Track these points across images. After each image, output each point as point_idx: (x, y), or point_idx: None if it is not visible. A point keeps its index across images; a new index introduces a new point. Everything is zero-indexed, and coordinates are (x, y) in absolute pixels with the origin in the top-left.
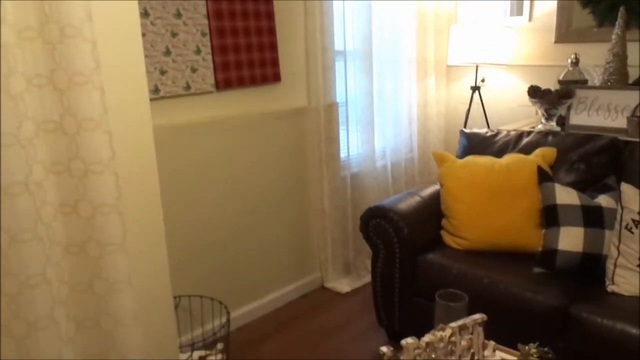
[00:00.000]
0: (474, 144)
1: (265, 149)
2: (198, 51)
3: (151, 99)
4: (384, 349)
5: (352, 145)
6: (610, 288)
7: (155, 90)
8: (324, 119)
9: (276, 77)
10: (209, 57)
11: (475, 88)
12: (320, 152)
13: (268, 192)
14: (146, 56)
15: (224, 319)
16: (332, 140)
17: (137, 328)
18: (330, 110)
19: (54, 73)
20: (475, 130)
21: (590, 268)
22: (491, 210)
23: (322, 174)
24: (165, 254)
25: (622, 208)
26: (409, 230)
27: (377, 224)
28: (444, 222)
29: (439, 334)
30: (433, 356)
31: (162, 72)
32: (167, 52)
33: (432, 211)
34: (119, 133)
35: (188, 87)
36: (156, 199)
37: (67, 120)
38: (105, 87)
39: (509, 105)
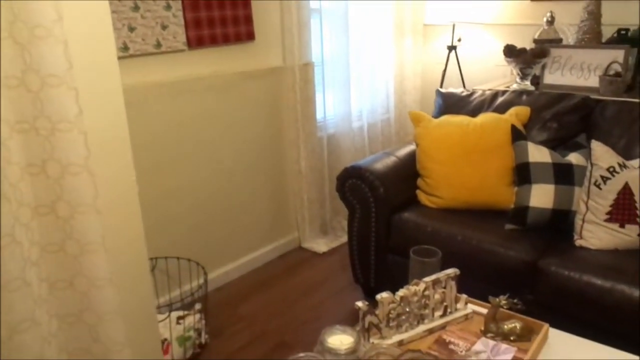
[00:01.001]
0: (450, 104)
1: (239, 109)
2: (168, 7)
3: (120, 57)
4: (359, 304)
5: (328, 106)
6: (578, 242)
7: (124, 47)
8: (299, 78)
9: (250, 36)
10: (180, 13)
11: (452, 47)
12: (296, 113)
13: (244, 154)
14: (113, 11)
15: (201, 280)
16: (308, 100)
17: (112, 289)
18: (306, 70)
19: (12, 25)
20: (451, 90)
21: (560, 223)
22: (465, 169)
23: (298, 135)
24: (139, 215)
25: (591, 165)
26: (385, 189)
27: (353, 184)
28: (419, 181)
29: (413, 288)
30: (407, 310)
31: (131, 29)
32: (136, 8)
33: (407, 171)
34: (86, 90)
35: (158, 44)
36: (128, 159)
37: (30, 77)
38: (69, 41)
39: (485, 65)
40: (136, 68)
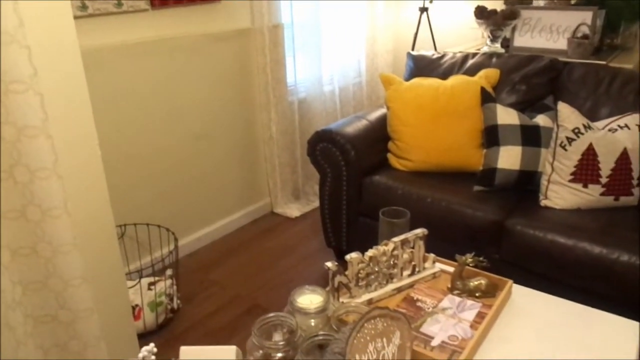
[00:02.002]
0: (421, 67)
1: (207, 72)
2: None
3: (77, 17)
4: (328, 264)
5: (299, 69)
6: (544, 202)
7: (82, 7)
8: (269, 41)
9: None
10: None
11: (424, 9)
12: (266, 77)
13: (212, 118)
14: None
15: (172, 246)
16: (278, 64)
17: (77, 254)
18: (276, 32)
19: None
20: (422, 52)
21: (526, 184)
22: (436, 131)
23: (269, 99)
24: (103, 179)
25: (557, 126)
26: (356, 153)
27: (324, 147)
28: (390, 144)
29: (382, 248)
30: (376, 269)
31: None
32: None
33: (378, 134)
34: (40, 49)
35: (120, 3)
36: (89, 122)
37: None
38: None
39: (457, 27)
40: (96, 28)
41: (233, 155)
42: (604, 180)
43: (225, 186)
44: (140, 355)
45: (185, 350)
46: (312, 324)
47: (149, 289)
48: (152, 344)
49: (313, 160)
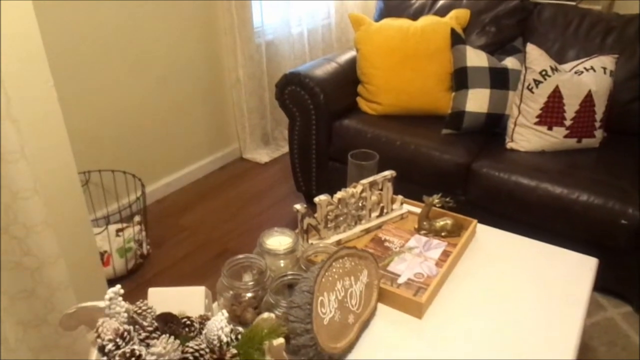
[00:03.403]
0: (391, 7)
1: (169, 13)
2: None
3: None
4: (297, 206)
5: (265, 10)
6: (509, 145)
7: None
8: None
9: None
10: None
11: None
12: (232, 18)
13: (177, 62)
14: None
15: (139, 192)
16: (244, 4)
17: (38, 199)
18: None
19: None
20: None
21: (494, 127)
22: (405, 74)
23: (235, 41)
24: (61, 121)
25: (525, 69)
26: (325, 96)
27: (293, 91)
28: (359, 88)
29: (350, 190)
30: (345, 211)
31: None
32: None
33: (348, 77)
34: None
35: None
36: (41, 61)
37: None
38: None
39: None
40: None
41: (198, 99)
42: (568, 122)
43: (193, 131)
44: (107, 296)
45: (153, 292)
46: (282, 265)
47: (117, 235)
48: (118, 285)
49: (281, 104)
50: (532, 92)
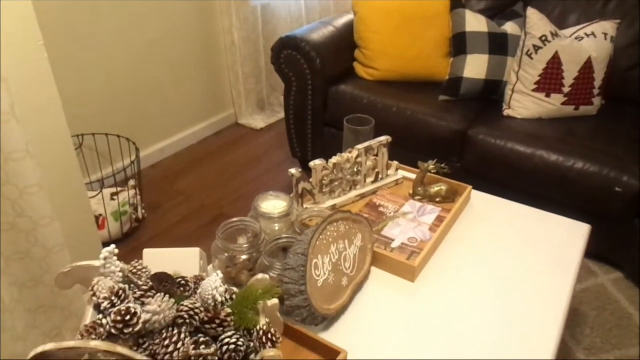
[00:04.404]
0: None
1: None
2: None
3: None
4: (292, 171)
5: None
6: (507, 112)
7: None
8: None
9: None
10: None
11: None
12: None
13: (171, 25)
14: None
15: (134, 157)
16: None
17: (31, 160)
18: None
19: None
20: None
21: (491, 94)
22: (403, 39)
23: (229, 3)
24: (52, 81)
25: (525, 34)
26: (322, 61)
27: (289, 55)
28: (356, 53)
29: (345, 155)
30: (340, 176)
31: None
32: None
33: (345, 42)
34: None
35: None
36: (30, 20)
37: None
38: None
39: None
40: None
41: (192, 63)
42: (566, 89)
43: (187, 96)
44: (102, 256)
45: (148, 253)
46: (276, 228)
47: (112, 199)
48: (113, 245)
49: (277, 68)
50: (532, 59)
